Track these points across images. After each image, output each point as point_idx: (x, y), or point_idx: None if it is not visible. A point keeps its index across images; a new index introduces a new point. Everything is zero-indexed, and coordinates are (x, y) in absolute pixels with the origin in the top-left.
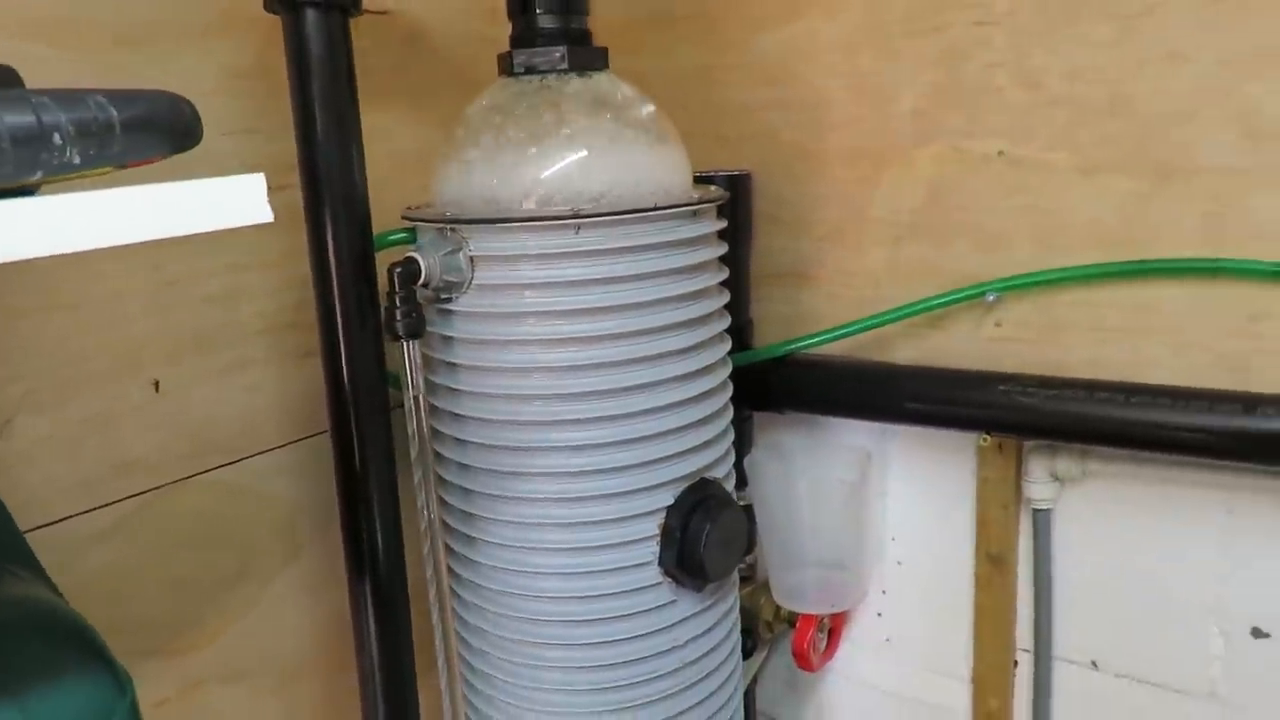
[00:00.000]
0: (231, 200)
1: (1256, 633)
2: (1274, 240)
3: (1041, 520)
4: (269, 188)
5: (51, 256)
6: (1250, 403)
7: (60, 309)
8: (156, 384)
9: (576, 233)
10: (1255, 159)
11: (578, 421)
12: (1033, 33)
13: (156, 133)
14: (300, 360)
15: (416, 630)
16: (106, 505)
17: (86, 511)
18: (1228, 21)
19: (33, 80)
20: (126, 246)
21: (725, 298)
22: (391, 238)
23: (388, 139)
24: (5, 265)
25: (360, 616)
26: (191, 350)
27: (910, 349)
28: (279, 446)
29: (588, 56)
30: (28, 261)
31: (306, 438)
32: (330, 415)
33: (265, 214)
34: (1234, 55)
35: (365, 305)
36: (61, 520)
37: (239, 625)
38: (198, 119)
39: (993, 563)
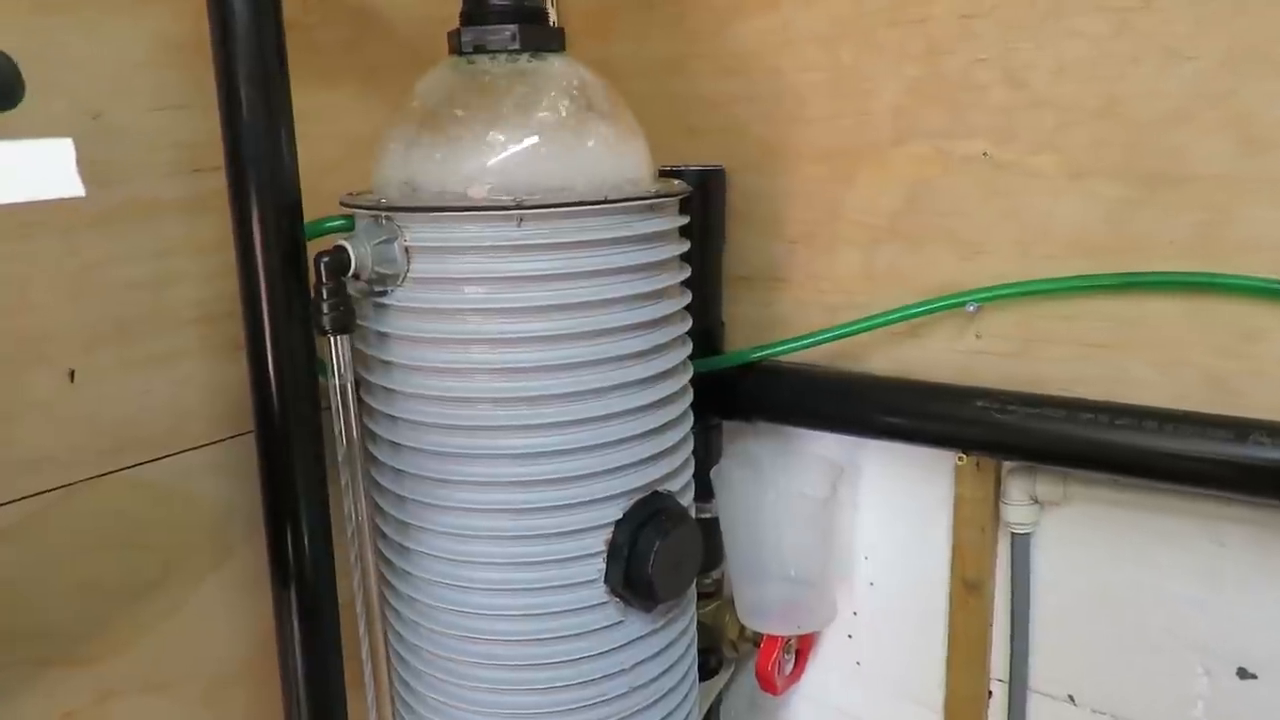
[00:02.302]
0: (33, 168)
1: (1242, 673)
2: (1271, 253)
3: (1020, 544)
4: (201, 169)
5: None
6: (1243, 429)
7: None
8: (72, 374)
9: (519, 225)
10: (1253, 167)
11: (519, 429)
12: (1021, 26)
13: None
14: (236, 352)
15: (350, 644)
16: (7, 504)
17: None
18: (1230, 19)
19: None
20: (36, 229)
21: (686, 299)
22: (327, 225)
23: (337, 121)
24: None
25: (284, 628)
26: (112, 340)
27: (885, 359)
28: (210, 444)
29: (542, 36)
30: None
31: (241, 435)
32: (255, 413)
33: (75, 186)
34: (1236, 55)
35: (294, 296)
36: None
37: (160, 632)
38: (17, 78)
39: (968, 587)
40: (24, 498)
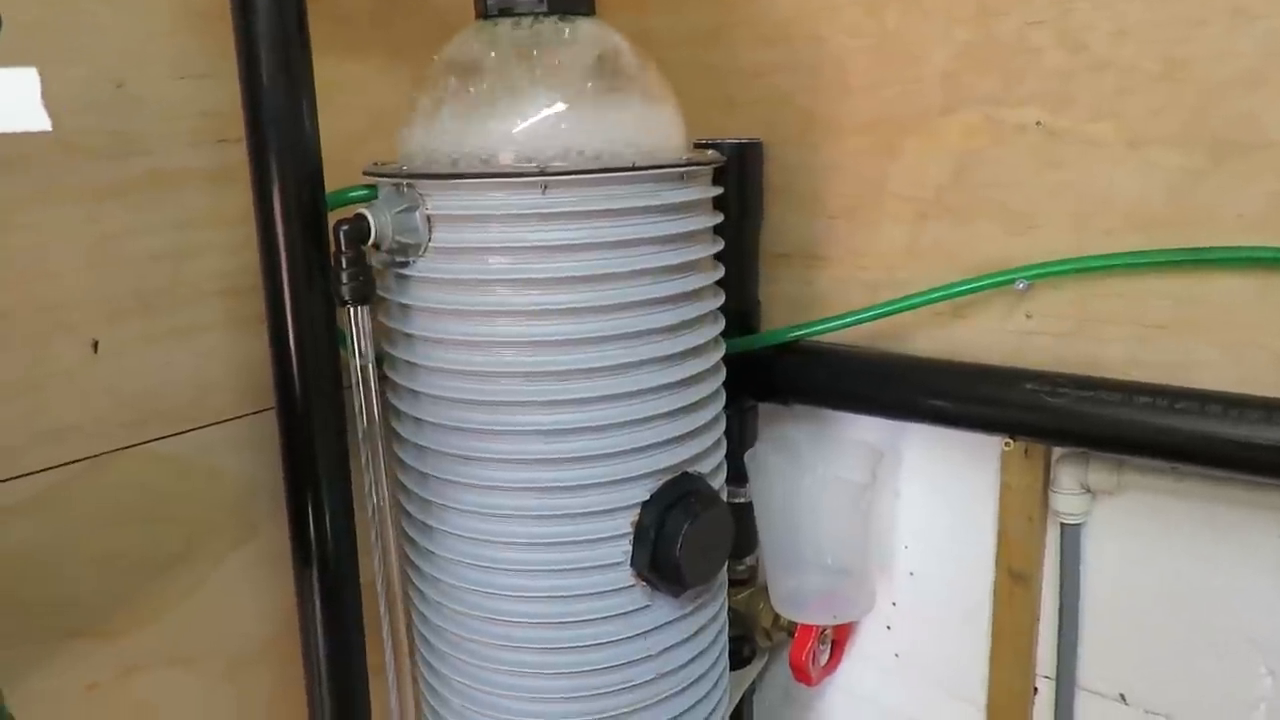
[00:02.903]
0: None
1: None
2: None
3: (1070, 535)
4: (225, 139)
5: None
6: None
7: None
8: (95, 345)
9: (543, 192)
10: None
11: (543, 404)
12: None
13: None
14: (260, 326)
15: (373, 624)
16: (29, 474)
17: (6, 480)
18: None
19: None
20: (55, 197)
21: (718, 273)
22: (350, 195)
23: (365, 92)
24: None
25: (306, 606)
26: (135, 311)
27: (929, 340)
28: (234, 418)
29: None
30: None
31: (265, 410)
32: (275, 388)
33: (41, 119)
34: None
35: (314, 267)
36: None
37: (184, 607)
38: None
39: (1014, 579)
40: (48, 468)
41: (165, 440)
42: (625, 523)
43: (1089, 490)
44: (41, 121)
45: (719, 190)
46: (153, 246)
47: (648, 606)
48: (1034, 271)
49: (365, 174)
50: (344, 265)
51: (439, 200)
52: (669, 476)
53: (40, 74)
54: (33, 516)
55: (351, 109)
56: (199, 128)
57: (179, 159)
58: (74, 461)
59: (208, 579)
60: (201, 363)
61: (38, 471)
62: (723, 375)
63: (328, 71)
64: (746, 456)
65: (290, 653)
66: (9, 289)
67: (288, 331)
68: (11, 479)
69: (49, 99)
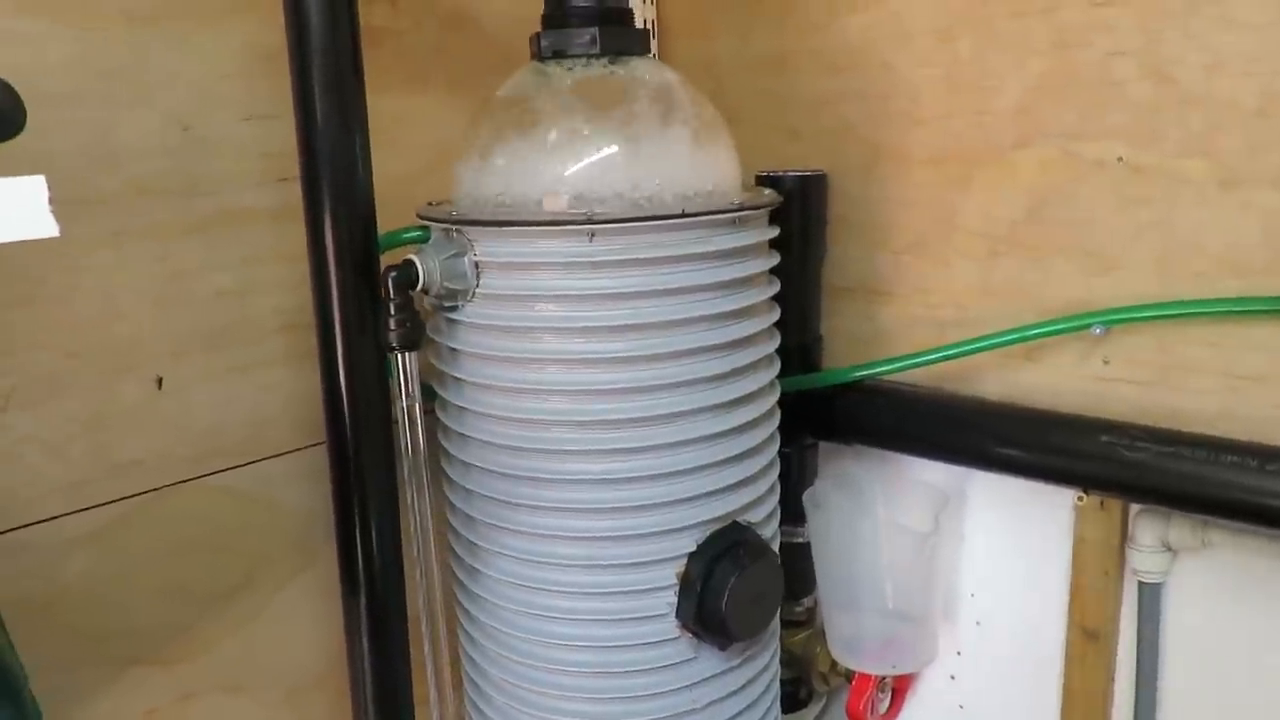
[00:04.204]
0: (6, 208)
1: None
2: None
3: (1149, 594)
4: (287, 178)
5: (34, 247)
6: None
7: (49, 301)
8: (160, 381)
9: (590, 240)
10: None
11: (591, 453)
12: (1166, 14)
13: None
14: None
15: (421, 656)
16: (96, 506)
17: (74, 512)
18: None
19: (35, 61)
20: (126, 238)
21: (774, 316)
22: (404, 236)
23: (428, 126)
24: None
25: (354, 639)
26: (199, 348)
27: (999, 382)
28: (292, 451)
29: (624, 39)
30: (4, 250)
31: (322, 443)
32: (326, 424)
33: (49, 226)
34: None
35: (365, 309)
36: (47, 520)
37: (242, 636)
38: (17, 105)
39: (1088, 637)
40: (113, 501)
41: (225, 473)
42: (671, 574)
43: (1170, 548)
44: (50, 228)
45: (775, 232)
46: (217, 285)
47: (693, 659)
48: (1113, 316)
49: (418, 215)
50: (392, 312)
51: (486, 246)
52: (718, 526)
53: (113, 119)
54: (97, 548)
55: (415, 143)
56: (263, 168)
57: (244, 198)
58: (137, 495)
59: (265, 609)
60: (261, 397)
61: (103, 504)
62: (777, 420)
63: (391, 106)
64: (805, 495)
65: (345, 682)
66: (80, 329)
67: (338, 370)
68: (78, 511)
69: (121, 143)
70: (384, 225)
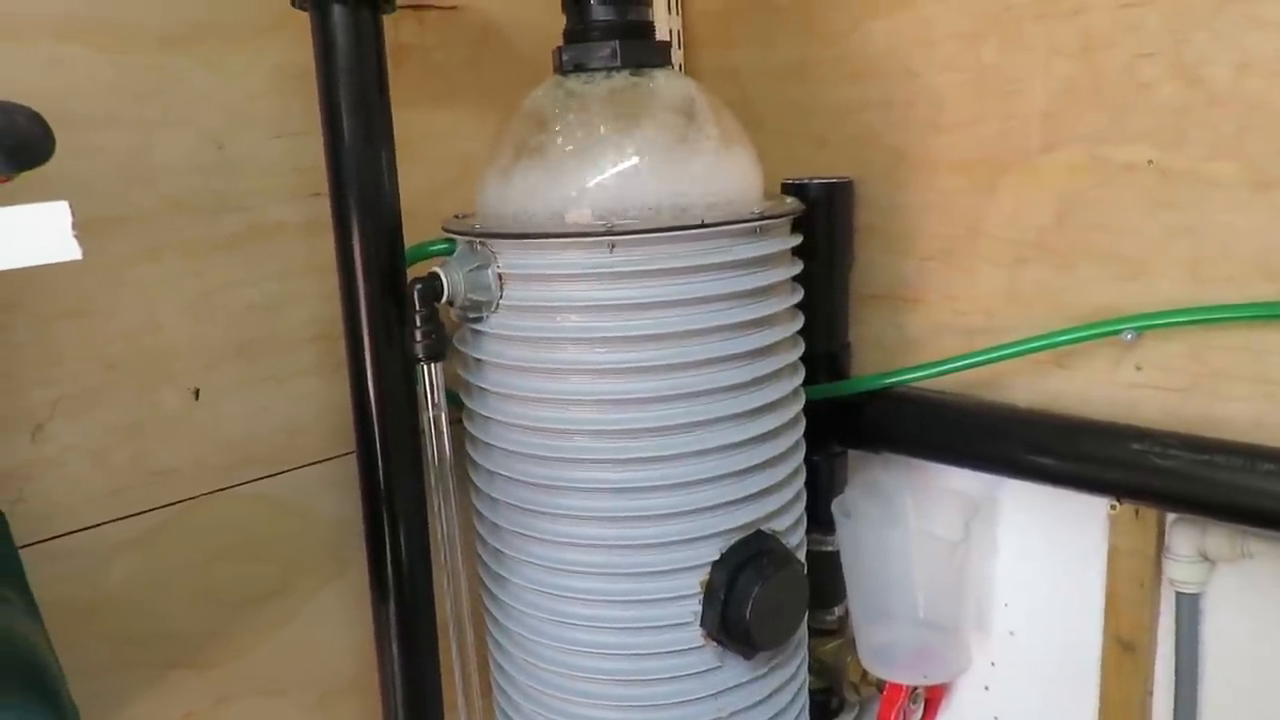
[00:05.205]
0: (29, 233)
1: None
2: None
3: (1186, 605)
4: (319, 193)
5: (77, 263)
6: None
7: (92, 315)
8: (197, 392)
9: (610, 251)
10: None
11: (613, 461)
12: (1194, 15)
13: None
14: None
15: (450, 661)
16: (137, 514)
17: (116, 520)
18: None
19: (76, 86)
20: (164, 253)
21: (797, 324)
22: (430, 249)
23: (456, 140)
24: (31, 271)
25: (383, 645)
26: (234, 358)
27: (1028, 390)
28: (325, 460)
29: (644, 52)
30: (50, 268)
31: (354, 452)
32: (355, 433)
33: (71, 250)
34: None
35: (392, 321)
36: (89, 528)
37: (276, 641)
38: (45, 134)
39: (1124, 648)
40: (152, 509)
41: (260, 482)
42: (694, 582)
43: (1207, 558)
44: (73, 252)
45: (798, 240)
46: (251, 297)
47: (718, 668)
48: (1144, 322)
49: (443, 228)
50: (418, 324)
51: (510, 258)
52: (742, 535)
53: (150, 140)
54: (137, 554)
55: (442, 157)
56: (295, 183)
57: (276, 213)
58: (176, 503)
59: (300, 614)
60: (295, 407)
61: (142, 512)
62: (801, 428)
63: (420, 121)
64: (834, 504)
65: (376, 686)
66: (119, 341)
67: (367, 381)
68: (118, 519)
69: (158, 162)
70: (414, 237)
